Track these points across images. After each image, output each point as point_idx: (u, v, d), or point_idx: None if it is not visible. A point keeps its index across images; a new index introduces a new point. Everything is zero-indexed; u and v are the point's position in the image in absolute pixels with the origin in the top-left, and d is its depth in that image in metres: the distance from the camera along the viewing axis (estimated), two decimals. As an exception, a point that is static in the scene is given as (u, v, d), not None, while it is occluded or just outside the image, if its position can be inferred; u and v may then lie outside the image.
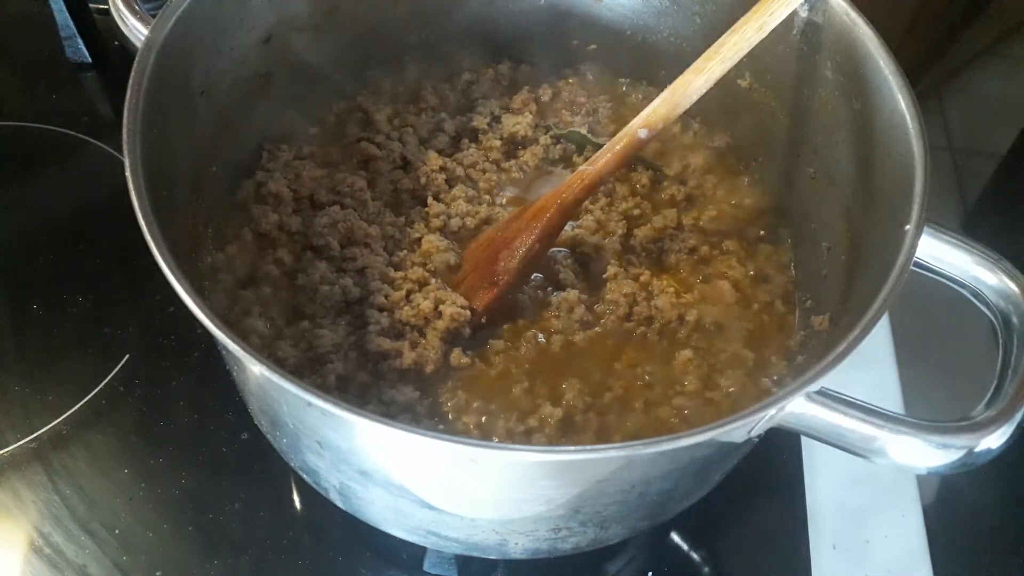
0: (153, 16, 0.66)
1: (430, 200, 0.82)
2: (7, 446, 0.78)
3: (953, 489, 0.87)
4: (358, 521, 0.67)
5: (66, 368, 0.84)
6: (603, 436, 0.68)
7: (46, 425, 0.79)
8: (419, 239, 0.79)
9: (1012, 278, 0.59)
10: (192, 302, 0.51)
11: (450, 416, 0.68)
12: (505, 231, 0.76)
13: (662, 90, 0.74)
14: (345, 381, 0.69)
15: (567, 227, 0.79)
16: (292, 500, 0.79)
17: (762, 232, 0.82)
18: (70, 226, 0.95)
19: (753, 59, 0.73)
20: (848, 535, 0.80)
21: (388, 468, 0.56)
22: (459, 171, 0.85)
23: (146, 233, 0.53)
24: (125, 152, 0.57)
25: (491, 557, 0.74)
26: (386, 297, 0.73)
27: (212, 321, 0.50)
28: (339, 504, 0.66)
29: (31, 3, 1.16)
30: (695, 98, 0.73)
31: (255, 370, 0.49)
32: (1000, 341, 0.58)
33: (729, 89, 0.82)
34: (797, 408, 0.52)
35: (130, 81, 0.61)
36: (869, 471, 0.76)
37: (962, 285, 0.61)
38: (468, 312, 0.72)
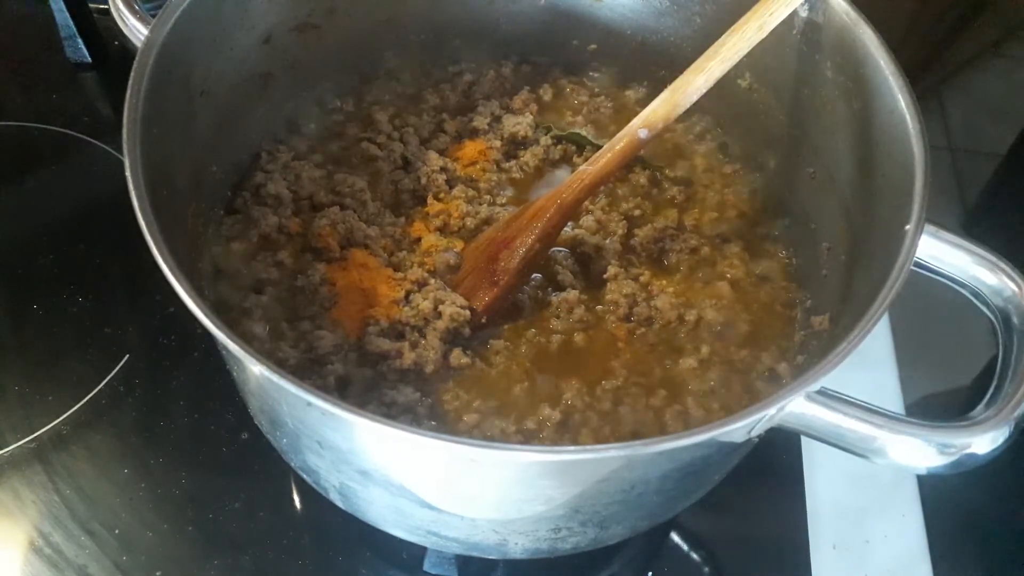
0: (153, 16, 0.66)
1: (430, 200, 0.82)
2: (7, 446, 0.78)
3: (953, 489, 0.87)
4: (358, 521, 0.67)
5: (66, 368, 0.84)
6: (603, 436, 0.68)
7: (46, 425, 0.79)
8: (419, 239, 0.79)
9: (1012, 278, 0.59)
10: (192, 302, 0.51)
11: (450, 416, 0.68)
12: (505, 231, 0.76)
13: (662, 90, 0.74)
14: (345, 382, 0.69)
15: (567, 227, 0.79)
16: (292, 500, 0.79)
17: (762, 232, 0.82)
18: (70, 226, 0.95)
19: (753, 59, 0.73)
20: (848, 535, 0.80)
21: (388, 468, 0.56)
22: (459, 171, 0.85)
23: (146, 233, 0.53)
24: (125, 152, 0.57)
25: (491, 557, 0.74)
26: (386, 297, 0.73)
27: (212, 321, 0.50)
28: (339, 504, 0.66)
29: (31, 3, 1.16)
30: (695, 98, 0.73)
31: (255, 370, 0.49)
32: (1000, 341, 0.58)
33: (729, 89, 0.82)
34: (797, 408, 0.52)
35: (130, 81, 0.61)
36: (869, 471, 0.76)
37: (962, 285, 0.61)
38: (468, 312, 0.72)
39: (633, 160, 0.80)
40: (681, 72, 0.73)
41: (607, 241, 0.80)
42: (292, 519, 0.78)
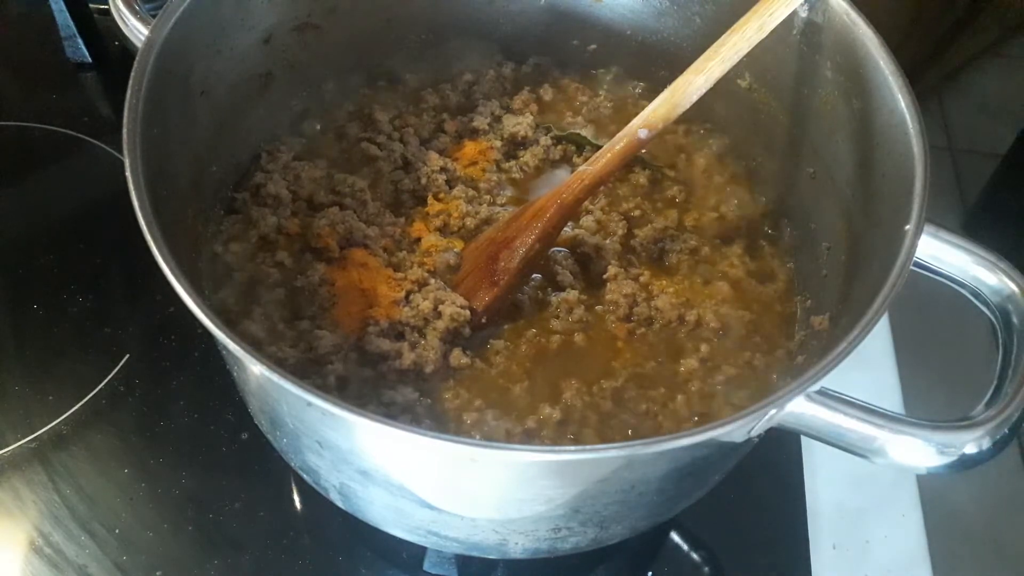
0: (153, 16, 0.66)
1: (430, 200, 0.82)
2: (7, 446, 0.78)
3: (953, 489, 0.87)
4: (358, 521, 0.67)
5: (66, 368, 0.84)
6: (603, 436, 0.68)
7: (46, 425, 0.79)
8: (419, 239, 0.79)
9: (1012, 278, 0.59)
10: (192, 302, 0.51)
11: (450, 416, 0.68)
12: (505, 231, 0.76)
13: (662, 90, 0.74)
14: (345, 381, 0.69)
15: (567, 227, 0.79)
16: (292, 500, 0.79)
17: (762, 232, 0.82)
18: (70, 226, 0.95)
19: (753, 59, 0.73)
20: (848, 535, 0.80)
21: (388, 468, 0.56)
22: (459, 171, 0.85)
23: (146, 233, 0.53)
24: (125, 152, 0.57)
25: (491, 557, 0.74)
26: (386, 297, 0.73)
27: (212, 321, 0.50)
28: (339, 504, 0.66)
29: (31, 3, 1.16)
30: (695, 98, 0.73)
31: (255, 370, 0.49)
32: (1000, 341, 0.58)
33: (729, 89, 0.82)
34: (797, 408, 0.52)
35: (130, 81, 0.61)
36: (869, 471, 0.76)
37: (962, 285, 0.61)
38: (468, 312, 0.72)
39: (633, 160, 0.80)
40: (681, 72, 0.73)
41: (607, 241, 0.80)
42: (292, 519, 0.78)
